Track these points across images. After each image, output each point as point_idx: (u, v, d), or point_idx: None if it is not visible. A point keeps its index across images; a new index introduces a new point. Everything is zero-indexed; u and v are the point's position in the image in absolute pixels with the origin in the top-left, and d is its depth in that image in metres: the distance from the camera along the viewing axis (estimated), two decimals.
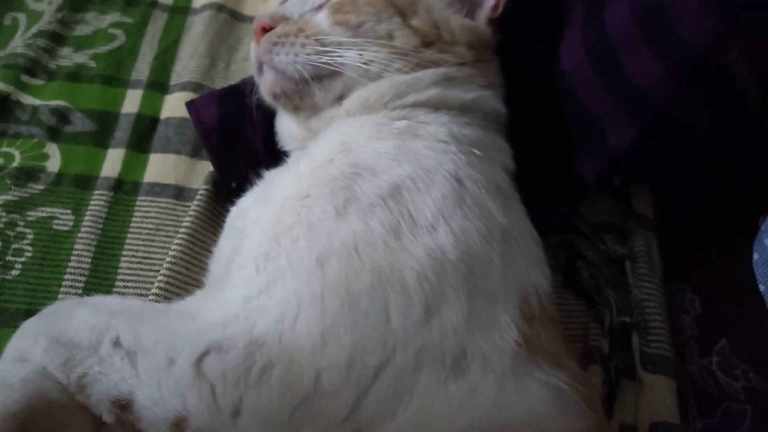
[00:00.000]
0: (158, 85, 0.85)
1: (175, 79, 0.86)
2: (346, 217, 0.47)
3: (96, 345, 0.44)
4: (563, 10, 0.68)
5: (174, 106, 0.81)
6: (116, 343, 0.44)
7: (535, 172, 0.70)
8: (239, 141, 0.71)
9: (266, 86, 0.62)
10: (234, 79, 0.84)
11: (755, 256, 0.51)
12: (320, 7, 0.62)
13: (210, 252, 0.64)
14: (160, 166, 0.75)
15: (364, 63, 0.57)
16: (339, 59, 0.57)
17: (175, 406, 0.42)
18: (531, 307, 0.48)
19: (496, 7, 0.62)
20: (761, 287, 0.50)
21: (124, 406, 0.42)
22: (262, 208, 0.54)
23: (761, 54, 0.58)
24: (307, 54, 0.58)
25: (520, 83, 0.71)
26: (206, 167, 0.75)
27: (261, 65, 0.61)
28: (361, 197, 0.48)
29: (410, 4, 0.61)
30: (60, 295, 0.63)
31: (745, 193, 0.75)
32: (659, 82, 0.58)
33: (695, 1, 0.53)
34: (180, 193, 0.73)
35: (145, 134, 0.79)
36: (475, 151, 0.54)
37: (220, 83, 0.85)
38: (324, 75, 0.59)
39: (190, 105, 0.72)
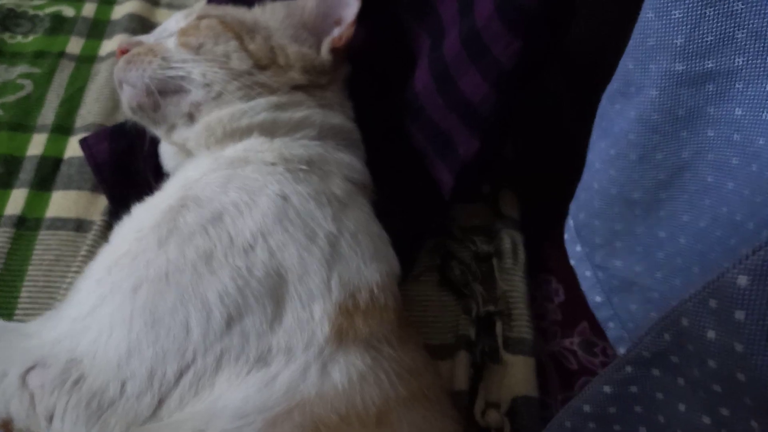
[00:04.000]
0: (63, 129, 0.90)
1: (79, 122, 0.91)
2: (166, 247, 0.54)
3: None
4: (415, 43, 0.78)
5: (77, 147, 0.86)
6: None
7: (406, 183, 0.79)
8: (131, 173, 0.77)
9: (125, 101, 0.69)
10: None
11: (566, 236, 0.59)
12: (173, 35, 0.70)
13: None
14: (61, 203, 0.80)
15: (206, 82, 0.65)
16: (181, 73, 0.65)
17: (1, 411, 0.49)
18: (358, 301, 0.55)
19: (339, 38, 0.71)
20: (572, 262, 0.58)
21: None
22: (112, 237, 0.61)
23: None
24: (154, 69, 0.65)
25: (388, 107, 0.81)
26: (106, 200, 0.81)
27: (120, 83, 0.69)
28: (183, 227, 0.55)
29: (249, 31, 0.69)
30: None
31: None
32: (487, 97, 0.68)
33: (499, 26, 0.63)
34: (80, 225, 0.78)
35: (48, 174, 0.84)
36: (303, 167, 0.61)
37: None
38: (170, 89, 0.66)
39: (83, 142, 0.79)
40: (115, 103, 0.94)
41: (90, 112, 0.92)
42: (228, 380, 0.50)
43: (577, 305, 0.81)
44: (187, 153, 0.70)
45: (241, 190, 0.58)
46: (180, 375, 0.50)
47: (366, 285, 0.57)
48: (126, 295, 0.52)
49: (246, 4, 0.77)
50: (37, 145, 0.88)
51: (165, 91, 0.67)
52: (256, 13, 0.72)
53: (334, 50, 0.71)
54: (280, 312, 0.53)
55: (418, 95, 0.75)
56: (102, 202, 0.81)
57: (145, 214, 0.59)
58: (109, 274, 0.54)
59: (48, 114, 0.93)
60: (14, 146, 0.87)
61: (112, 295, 0.53)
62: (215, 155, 0.64)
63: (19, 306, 0.70)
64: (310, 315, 0.53)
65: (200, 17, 0.71)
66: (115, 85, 0.71)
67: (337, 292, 0.55)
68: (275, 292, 0.53)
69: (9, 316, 0.69)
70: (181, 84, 0.66)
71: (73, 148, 0.87)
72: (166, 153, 0.74)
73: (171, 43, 0.69)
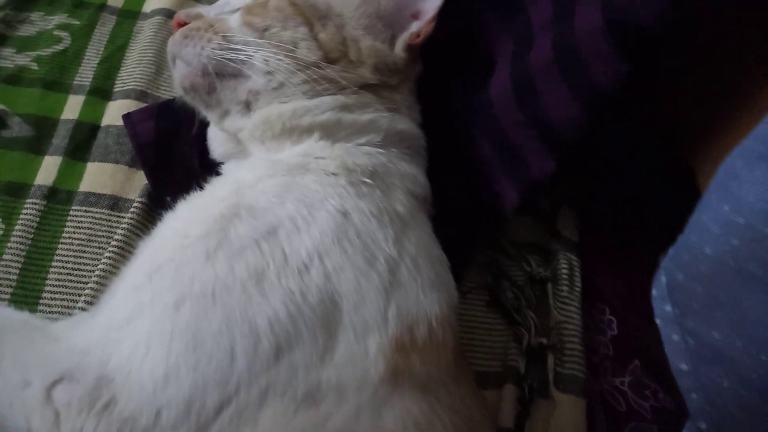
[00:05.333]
0: (101, 92, 0.84)
1: (119, 86, 0.85)
2: (214, 261, 0.48)
3: None
4: (494, 43, 0.70)
5: (116, 114, 0.81)
6: None
7: (463, 192, 0.73)
8: (175, 156, 0.72)
9: (177, 79, 0.63)
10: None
11: (654, 292, 0.54)
12: (237, 11, 0.64)
13: None
14: (96, 176, 0.75)
15: (268, 70, 0.59)
16: (242, 57, 0.59)
17: (21, 425, 0.45)
18: (415, 336, 0.50)
19: (416, 35, 0.64)
20: (658, 321, 0.53)
21: None
22: (151, 238, 0.56)
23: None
24: (213, 48, 0.60)
25: (451, 108, 0.74)
26: (144, 178, 0.75)
27: (174, 58, 0.63)
28: (234, 240, 0.49)
29: (320, 17, 0.62)
30: None
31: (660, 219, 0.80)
32: (574, 117, 0.61)
33: (605, 45, 0.56)
34: (115, 203, 0.73)
35: (83, 142, 0.78)
36: (367, 180, 0.56)
37: (164, 92, 0.86)
38: (228, 73, 0.60)
39: (126, 118, 0.73)
40: (158, 69, 0.88)
41: (131, 76, 0.86)
42: (273, 417, 0.46)
43: (630, 342, 0.77)
44: (237, 142, 0.65)
45: (299, 202, 0.52)
46: (221, 407, 0.45)
47: (425, 317, 0.52)
48: (167, 310, 0.47)
49: None
50: (72, 107, 0.82)
51: (222, 73, 0.61)
52: None
53: (409, 47, 0.64)
54: (332, 344, 0.48)
55: (493, 103, 0.68)
56: (140, 179, 0.76)
57: (192, 216, 0.54)
58: (149, 282, 0.49)
59: (85, 73, 0.87)
60: (48, 106, 0.82)
61: (152, 307, 0.48)
62: (272, 159, 0.58)
63: (46, 289, 0.66)
64: (365, 350, 0.48)
65: None
66: (168, 60, 0.64)
67: (394, 325, 0.50)
68: (328, 321, 0.48)
69: (35, 298, 0.65)
70: (240, 69, 0.60)
71: (111, 116, 0.81)
72: (216, 139, 0.68)
73: (234, 21, 0.62)
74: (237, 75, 0.60)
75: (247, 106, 0.62)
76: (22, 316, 0.56)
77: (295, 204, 0.52)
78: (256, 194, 0.53)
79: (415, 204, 0.60)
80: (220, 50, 0.60)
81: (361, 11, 0.64)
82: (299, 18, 0.61)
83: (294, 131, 0.60)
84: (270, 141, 0.61)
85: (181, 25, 0.63)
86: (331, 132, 0.60)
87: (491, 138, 0.70)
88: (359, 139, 0.61)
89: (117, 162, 0.77)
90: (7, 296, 0.64)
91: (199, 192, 0.61)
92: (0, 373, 0.47)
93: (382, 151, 0.61)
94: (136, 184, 0.75)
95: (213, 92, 0.62)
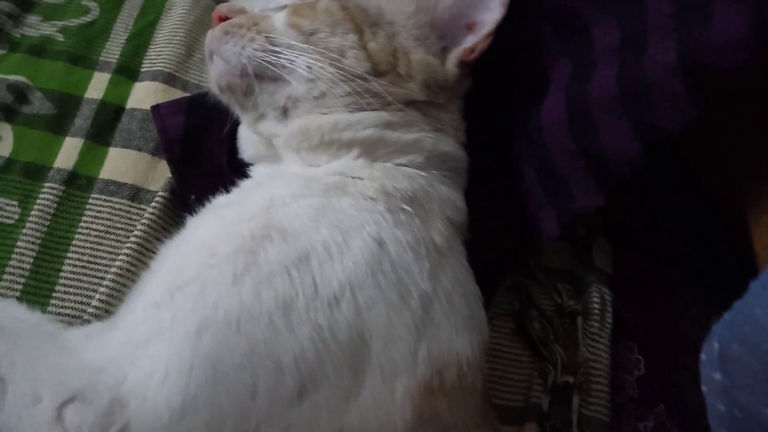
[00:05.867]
0: (128, 71, 0.81)
1: (146, 66, 0.82)
2: (241, 285, 0.46)
3: None
4: (551, 63, 0.66)
5: (142, 96, 0.78)
6: None
7: (498, 216, 0.70)
8: (203, 153, 0.68)
9: (214, 76, 0.60)
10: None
11: (703, 356, 0.51)
12: (283, 8, 0.60)
13: None
14: (118, 162, 0.72)
15: (310, 77, 0.55)
16: (284, 62, 0.55)
17: None
18: (444, 379, 0.47)
19: (471, 50, 0.59)
20: (704, 388, 0.50)
21: None
22: (175, 246, 0.53)
23: None
24: (254, 49, 0.56)
25: (497, 127, 0.70)
26: (167, 170, 0.72)
27: (211, 54, 0.59)
28: (263, 265, 0.46)
29: (371, 24, 0.58)
30: None
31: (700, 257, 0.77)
32: (632, 155, 0.57)
33: (678, 87, 0.52)
34: (136, 194, 0.70)
35: (106, 124, 0.75)
36: (406, 207, 0.53)
37: (194, 76, 0.82)
38: (268, 76, 0.57)
39: (155, 110, 0.69)
40: (188, 50, 0.84)
41: (160, 56, 0.82)
42: None
43: (656, 384, 0.74)
44: (269, 146, 0.61)
45: (334, 227, 0.49)
46: None
47: (455, 359, 0.49)
48: (188, 336, 0.44)
49: None
50: (97, 86, 0.78)
51: (262, 76, 0.57)
52: (381, 0, 0.61)
53: (461, 63, 0.60)
54: (358, 385, 0.45)
55: (543, 129, 0.64)
56: (162, 169, 0.72)
57: (220, 231, 0.51)
58: (171, 300, 0.47)
59: (113, 49, 0.83)
60: (72, 83, 0.78)
61: (172, 329, 0.45)
62: (307, 175, 0.55)
63: (60, 282, 0.63)
64: (391, 393, 0.46)
65: None
66: (205, 55, 0.61)
67: (424, 367, 0.47)
68: (356, 360, 0.46)
69: (48, 290, 0.62)
70: (281, 73, 0.56)
71: (136, 98, 0.78)
72: (247, 139, 0.65)
73: (279, 21, 0.58)
74: (277, 79, 0.57)
75: (285, 112, 0.58)
76: (34, 318, 0.53)
77: (329, 229, 0.49)
78: (289, 215, 0.50)
79: (453, 231, 0.57)
80: (262, 51, 0.56)
81: (414, 20, 0.59)
82: (349, 24, 0.57)
83: (332, 145, 0.56)
84: (305, 152, 0.58)
85: (222, 19, 0.59)
86: (371, 149, 0.56)
87: (537, 165, 0.66)
88: (400, 158, 0.57)
89: (140, 149, 0.73)
90: (20, 286, 0.62)
91: (225, 196, 0.58)
92: (10, 384, 0.45)
93: (422, 173, 0.58)
94: (158, 174, 0.72)
95: (250, 94, 0.58)
